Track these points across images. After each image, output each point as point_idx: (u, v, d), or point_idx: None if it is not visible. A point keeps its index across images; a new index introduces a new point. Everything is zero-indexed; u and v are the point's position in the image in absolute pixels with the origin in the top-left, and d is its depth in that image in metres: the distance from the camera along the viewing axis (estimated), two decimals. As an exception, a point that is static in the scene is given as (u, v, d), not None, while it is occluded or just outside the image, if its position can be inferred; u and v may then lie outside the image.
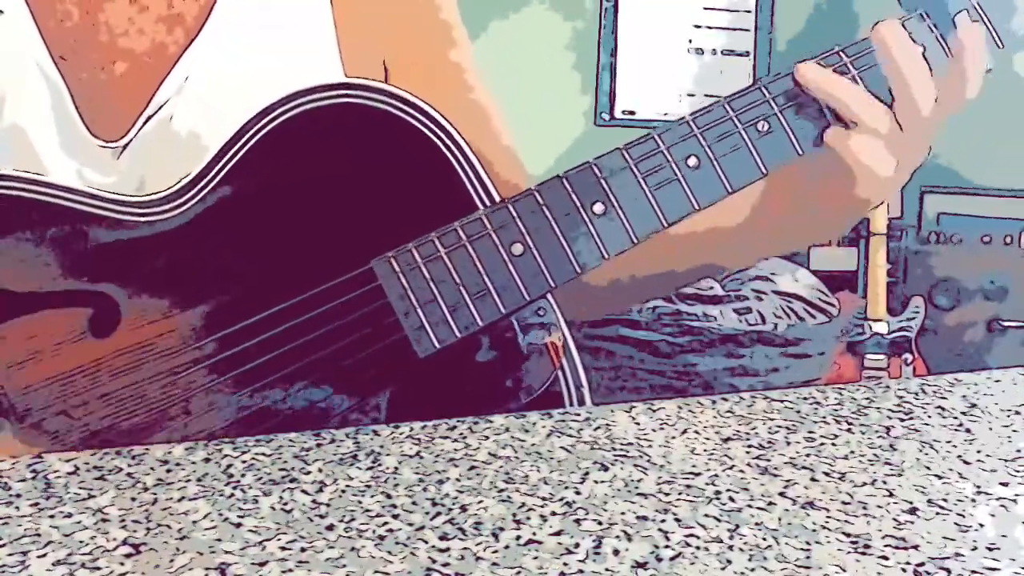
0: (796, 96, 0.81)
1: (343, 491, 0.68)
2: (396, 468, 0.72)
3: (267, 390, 0.76)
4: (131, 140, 0.81)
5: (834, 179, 0.82)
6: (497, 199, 0.79)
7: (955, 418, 0.83)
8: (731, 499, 0.67)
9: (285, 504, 0.66)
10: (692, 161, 0.79)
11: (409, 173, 0.79)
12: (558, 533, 0.63)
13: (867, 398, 0.88)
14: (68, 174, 0.79)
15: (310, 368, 0.77)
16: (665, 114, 1.05)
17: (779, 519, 0.65)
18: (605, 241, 0.78)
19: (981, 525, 0.64)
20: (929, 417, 0.84)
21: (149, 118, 0.81)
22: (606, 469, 0.72)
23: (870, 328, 1.02)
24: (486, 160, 0.80)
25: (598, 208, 0.78)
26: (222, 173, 0.76)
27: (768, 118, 0.80)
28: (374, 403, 0.79)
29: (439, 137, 0.78)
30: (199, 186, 0.76)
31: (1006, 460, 0.75)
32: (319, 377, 0.77)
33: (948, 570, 0.59)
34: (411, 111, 0.78)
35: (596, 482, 0.70)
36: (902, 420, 0.83)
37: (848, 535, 0.63)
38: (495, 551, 0.60)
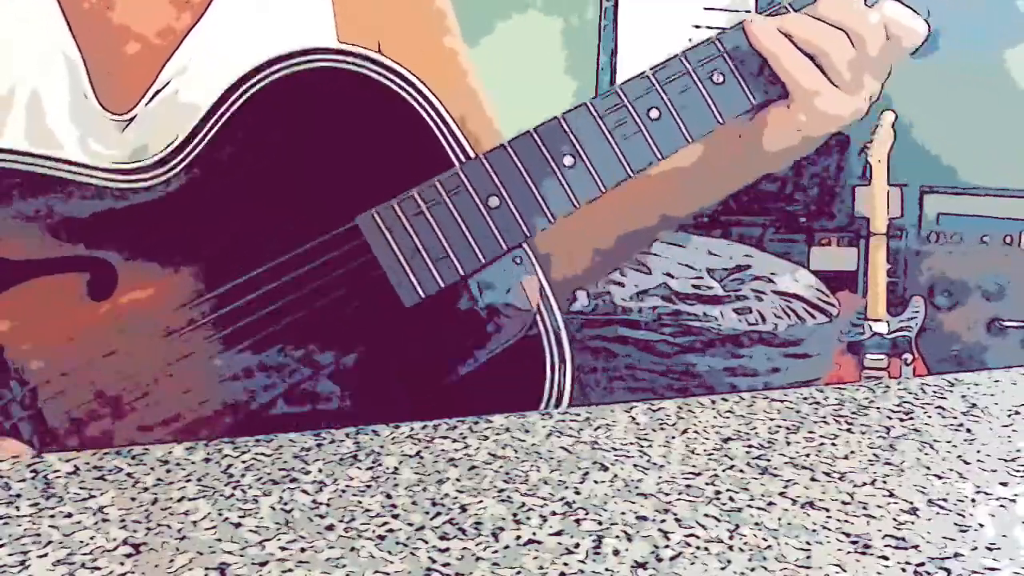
0: (748, 49, 0.84)
1: (343, 491, 0.68)
2: (396, 468, 0.72)
3: (260, 345, 0.78)
4: (137, 114, 0.83)
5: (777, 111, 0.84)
6: (472, 155, 0.81)
7: (955, 418, 0.83)
8: (731, 499, 0.67)
9: (285, 504, 0.66)
10: (654, 113, 0.82)
11: (385, 133, 0.82)
12: (558, 533, 0.63)
13: (867, 398, 0.88)
14: (73, 144, 0.81)
15: (299, 322, 0.79)
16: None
17: (779, 519, 0.65)
18: (575, 191, 0.81)
19: (981, 525, 0.64)
20: (929, 417, 0.84)
21: (156, 94, 0.84)
22: (606, 469, 0.72)
23: (870, 328, 1.02)
24: (480, 147, 0.81)
25: (567, 160, 0.81)
26: (206, 139, 0.78)
27: (722, 71, 0.83)
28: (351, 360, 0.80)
29: (413, 97, 0.81)
30: (184, 152, 0.79)
31: (1006, 460, 0.75)
32: (307, 330, 0.79)
33: (948, 570, 0.59)
34: (384, 72, 0.81)
35: (596, 482, 0.70)
36: (902, 420, 0.83)
37: (848, 535, 0.63)
38: (495, 551, 0.60)
